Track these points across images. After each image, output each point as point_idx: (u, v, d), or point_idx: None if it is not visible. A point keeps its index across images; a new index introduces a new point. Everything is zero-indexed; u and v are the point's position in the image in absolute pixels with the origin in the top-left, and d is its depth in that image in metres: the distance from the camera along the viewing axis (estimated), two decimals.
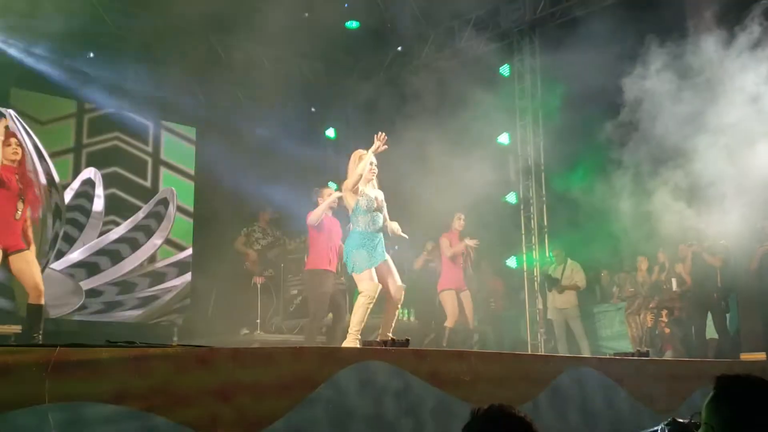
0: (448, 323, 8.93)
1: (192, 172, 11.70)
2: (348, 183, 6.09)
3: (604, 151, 9.59)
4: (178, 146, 11.71)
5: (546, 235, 10.90)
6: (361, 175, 5.96)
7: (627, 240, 10.10)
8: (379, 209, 6.06)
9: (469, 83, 10.47)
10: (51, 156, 10.02)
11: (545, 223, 10.93)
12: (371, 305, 5.78)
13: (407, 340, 4.59)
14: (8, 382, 2.59)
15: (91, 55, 10.46)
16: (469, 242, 9.10)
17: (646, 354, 6.53)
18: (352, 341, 5.64)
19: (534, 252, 10.86)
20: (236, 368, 3.24)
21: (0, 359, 2.61)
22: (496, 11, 11.24)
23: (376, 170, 6.15)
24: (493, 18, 11.30)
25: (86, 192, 10.71)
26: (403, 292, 6.04)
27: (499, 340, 10.69)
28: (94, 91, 10.50)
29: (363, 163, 6.02)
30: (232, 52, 11.56)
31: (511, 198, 11.18)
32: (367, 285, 5.77)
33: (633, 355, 6.32)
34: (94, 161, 10.79)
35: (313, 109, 13.30)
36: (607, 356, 7.20)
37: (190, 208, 11.60)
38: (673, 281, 9.98)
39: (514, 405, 2.02)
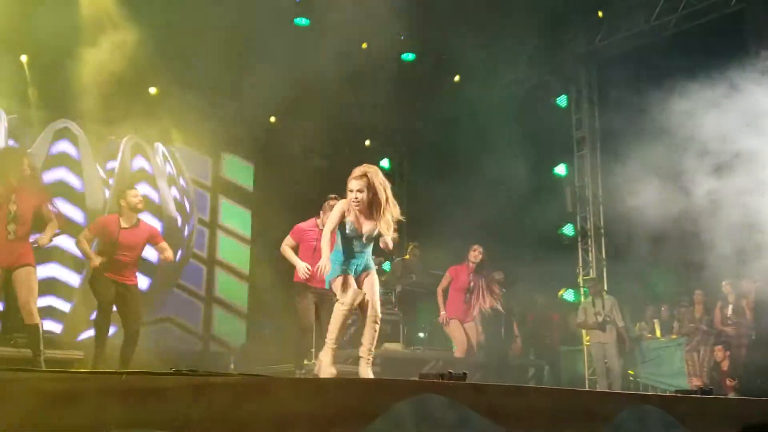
0: (458, 353, 8.69)
1: (250, 203, 11.99)
2: (325, 229, 5.71)
3: (662, 182, 9.44)
4: (237, 176, 12.03)
5: (604, 268, 10.72)
6: (333, 224, 5.59)
7: (686, 273, 9.88)
8: (360, 237, 5.64)
9: (526, 114, 10.44)
10: None
11: (603, 256, 10.75)
12: (349, 314, 5.57)
13: (464, 374, 4.53)
14: (75, 409, 2.63)
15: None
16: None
17: (710, 392, 6.34)
18: (326, 353, 5.52)
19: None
20: (294, 398, 3.24)
21: (68, 386, 2.66)
22: (553, 41, 11.22)
23: (360, 197, 5.58)
24: (550, 48, 11.28)
25: None
26: (377, 310, 5.63)
27: (556, 376, 10.49)
28: None
29: (333, 212, 5.68)
30: (285, 84, 11.74)
31: (568, 230, 11.04)
32: (342, 293, 5.51)
33: (696, 393, 6.14)
34: None
35: (367, 143, 13.40)
36: (669, 394, 7.00)
37: (248, 235, 11.81)
38: (734, 316, 9.69)
39: None
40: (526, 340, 10.74)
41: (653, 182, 9.70)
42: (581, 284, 10.82)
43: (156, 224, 9.84)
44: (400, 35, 11.55)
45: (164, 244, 7.12)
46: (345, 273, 5.55)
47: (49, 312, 9.16)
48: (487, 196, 10.11)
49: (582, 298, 10.75)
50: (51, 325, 9.09)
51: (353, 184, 5.58)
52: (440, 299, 8.83)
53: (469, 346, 8.70)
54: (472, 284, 8.66)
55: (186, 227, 11.19)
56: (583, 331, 10.64)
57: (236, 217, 11.95)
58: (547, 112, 10.94)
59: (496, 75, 11.88)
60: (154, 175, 10.91)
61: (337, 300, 5.55)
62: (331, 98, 11.45)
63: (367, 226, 5.61)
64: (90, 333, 9.17)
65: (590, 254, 10.80)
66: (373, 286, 5.67)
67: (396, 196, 13.59)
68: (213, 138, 11.38)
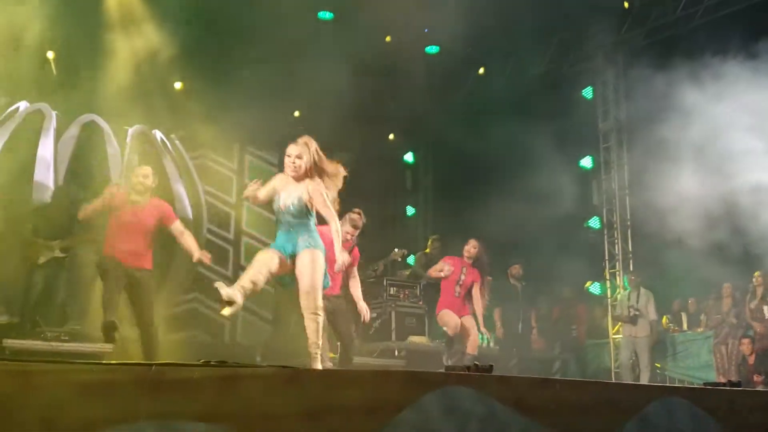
0: (450, 332, 8.18)
1: None
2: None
3: (690, 175, 9.33)
4: (260, 168, 12.06)
5: (630, 261, 10.64)
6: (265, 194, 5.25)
7: (713, 266, 9.77)
8: (289, 210, 5.16)
9: (551, 106, 10.37)
10: None
11: (630, 249, 10.67)
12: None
13: (491, 366, 4.52)
14: (106, 400, 2.66)
15: None
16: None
17: (738, 384, 6.27)
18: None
19: (617, 278, 10.61)
20: (324, 389, 3.25)
21: (98, 377, 2.69)
22: (579, 32, 11.12)
23: (298, 163, 5.16)
24: (575, 39, 11.19)
25: None
26: (318, 301, 5.09)
27: (582, 368, 10.45)
28: None
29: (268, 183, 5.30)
30: (309, 78, 11.76)
31: (594, 223, 10.97)
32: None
33: (725, 385, 6.08)
34: None
35: (391, 136, 13.38)
36: (698, 386, 6.93)
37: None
38: (765, 309, 9.58)
39: None
40: (552, 333, 10.71)
41: (680, 174, 9.61)
42: (607, 277, 10.74)
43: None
44: (425, 28, 11.52)
45: (179, 225, 6.64)
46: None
47: None
48: (512, 189, 10.07)
49: (609, 292, 10.68)
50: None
51: (291, 149, 5.20)
52: (430, 274, 8.57)
53: (468, 338, 8.14)
54: (463, 278, 8.21)
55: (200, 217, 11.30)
56: (610, 324, 10.58)
57: (260, 216, 11.97)
58: (572, 105, 10.86)
59: (521, 67, 11.80)
60: (163, 162, 11.05)
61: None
62: (354, 92, 11.44)
63: (293, 194, 5.15)
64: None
65: (616, 247, 10.72)
66: (302, 270, 5.10)
67: (420, 189, 13.67)
68: (237, 133, 11.43)
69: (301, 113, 12.22)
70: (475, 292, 8.20)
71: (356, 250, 7.32)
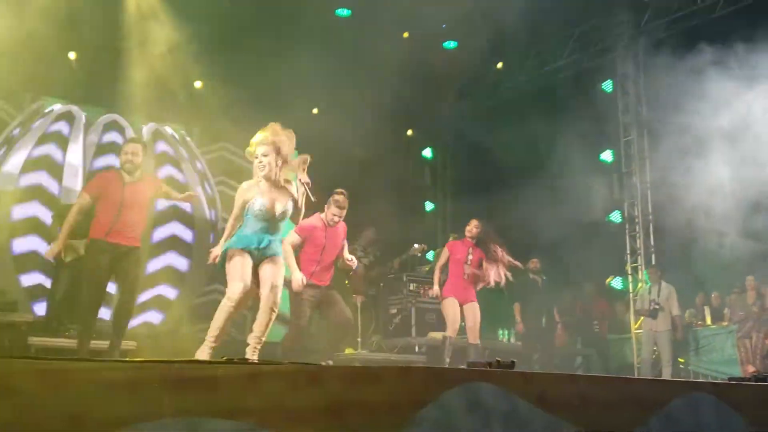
0: (449, 332, 8.00)
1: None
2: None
3: (713, 166, 9.24)
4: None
5: (652, 255, 10.56)
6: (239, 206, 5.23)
7: (737, 259, 9.68)
8: (271, 217, 5.18)
9: (571, 100, 10.31)
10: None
11: (651, 243, 10.59)
12: (234, 312, 5.05)
13: (513, 362, 4.51)
14: (131, 397, 2.69)
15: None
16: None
17: (764, 379, 6.20)
18: (203, 350, 5.01)
19: (639, 272, 10.54)
20: (346, 386, 3.25)
21: (123, 375, 2.72)
22: (598, 26, 11.05)
23: (264, 162, 5.19)
24: (595, 32, 11.11)
25: None
26: (277, 297, 5.12)
27: (605, 364, 10.39)
28: None
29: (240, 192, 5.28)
30: (327, 74, 11.77)
31: (616, 217, 10.90)
32: (232, 282, 5.04)
33: (750, 379, 6.01)
34: None
35: (409, 132, 13.37)
36: (723, 381, 6.87)
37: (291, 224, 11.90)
38: None
39: (624, 430, 1.95)
40: (574, 328, 10.66)
41: (702, 167, 9.52)
42: (629, 272, 10.68)
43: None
44: (442, 24, 11.49)
45: (173, 192, 6.67)
46: (237, 248, 5.09)
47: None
48: (532, 183, 10.02)
49: (631, 286, 10.61)
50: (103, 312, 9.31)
51: (259, 149, 5.24)
52: (436, 276, 8.26)
53: (469, 328, 7.98)
54: (470, 258, 8.12)
55: (212, 211, 11.36)
56: (632, 319, 10.52)
57: None
58: (592, 98, 10.78)
59: (540, 61, 11.74)
60: (177, 158, 11.15)
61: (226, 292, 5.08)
62: (372, 88, 11.44)
63: (282, 201, 5.19)
64: (139, 320, 9.40)
65: (638, 241, 10.64)
66: (278, 273, 5.17)
67: (439, 184, 13.62)
68: (256, 129, 11.45)
69: (320, 110, 12.23)
70: (485, 264, 8.08)
71: (344, 225, 7.17)
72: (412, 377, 3.69)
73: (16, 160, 9.98)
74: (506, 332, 10.25)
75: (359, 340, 9.38)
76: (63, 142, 10.40)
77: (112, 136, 10.74)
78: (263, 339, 5.12)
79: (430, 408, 3.55)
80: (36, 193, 9.86)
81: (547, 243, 9.30)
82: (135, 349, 7.04)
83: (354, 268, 7.09)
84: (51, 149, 10.24)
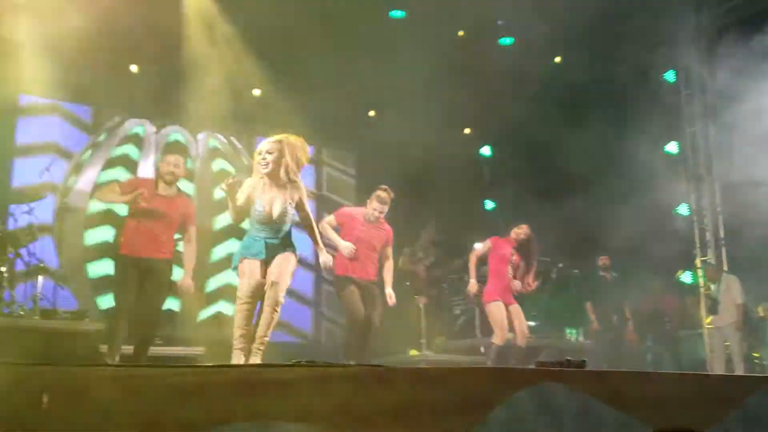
0: (496, 339, 7.66)
1: (352, 194, 12.10)
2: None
3: None
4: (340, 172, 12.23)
5: (723, 248, 10.25)
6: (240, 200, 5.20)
7: None
8: (270, 219, 5.19)
9: (633, 91, 10.09)
10: None
11: (721, 235, 10.29)
12: (250, 308, 5.05)
13: (583, 361, 4.43)
14: (201, 402, 2.72)
15: None
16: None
17: None
18: (235, 355, 5.01)
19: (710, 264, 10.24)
20: (414, 388, 3.24)
21: (194, 380, 2.75)
22: (659, 13, 10.78)
23: (268, 159, 5.22)
24: (655, 21, 10.84)
25: None
26: (279, 295, 5.06)
27: (677, 361, 10.13)
28: None
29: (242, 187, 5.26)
30: (383, 76, 11.78)
31: (683, 210, 10.63)
32: (241, 280, 5.10)
33: None
34: None
35: (467, 131, 13.28)
36: None
37: None
38: None
39: (700, 428, 1.89)
40: (644, 325, 10.43)
41: None
42: (698, 265, 10.39)
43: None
44: (497, 20, 11.38)
45: (193, 231, 6.30)
46: (247, 257, 5.14)
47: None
48: (595, 178, 9.83)
49: (701, 280, 10.34)
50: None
51: (262, 145, 5.28)
52: (472, 267, 7.98)
53: (518, 331, 7.71)
54: (514, 258, 7.91)
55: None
56: (703, 314, 10.24)
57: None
58: (654, 89, 10.52)
59: (599, 54, 11.51)
60: (235, 167, 11.27)
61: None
62: (428, 88, 11.40)
63: (278, 202, 5.19)
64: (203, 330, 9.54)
65: (707, 234, 10.35)
66: (280, 269, 5.12)
67: (498, 182, 13.45)
68: (314, 134, 11.54)
69: (377, 112, 12.25)
70: (522, 274, 7.93)
71: (389, 228, 7.01)
72: (479, 378, 3.65)
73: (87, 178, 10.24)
74: (574, 331, 10.07)
75: (423, 341, 9.35)
76: (132, 165, 10.63)
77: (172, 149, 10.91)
78: (266, 340, 5.06)
79: (499, 409, 3.50)
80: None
81: (614, 238, 9.10)
82: (204, 354, 7.15)
83: (393, 304, 6.93)
84: (119, 173, 10.43)
